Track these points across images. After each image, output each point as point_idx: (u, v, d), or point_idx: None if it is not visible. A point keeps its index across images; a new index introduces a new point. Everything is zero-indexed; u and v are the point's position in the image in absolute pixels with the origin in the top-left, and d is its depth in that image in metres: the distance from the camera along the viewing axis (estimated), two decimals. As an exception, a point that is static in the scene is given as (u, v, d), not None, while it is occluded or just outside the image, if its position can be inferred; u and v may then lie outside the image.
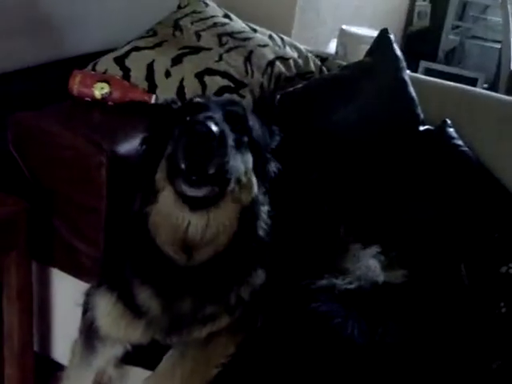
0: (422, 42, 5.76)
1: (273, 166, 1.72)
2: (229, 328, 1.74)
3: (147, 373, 1.77)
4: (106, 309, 1.75)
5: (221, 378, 1.72)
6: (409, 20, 5.84)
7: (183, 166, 1.48)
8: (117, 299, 1.71)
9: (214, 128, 1.46)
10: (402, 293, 1.88)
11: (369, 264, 1.92)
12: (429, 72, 5.18)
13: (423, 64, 5.33)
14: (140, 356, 1.84)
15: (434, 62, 5.66)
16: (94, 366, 1.86)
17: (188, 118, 1.56)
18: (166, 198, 1.57)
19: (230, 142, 1.53)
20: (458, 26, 6.21)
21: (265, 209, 1.68)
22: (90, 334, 1.83)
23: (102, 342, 1.81)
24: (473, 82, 5.10)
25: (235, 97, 2.24)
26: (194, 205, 1.54)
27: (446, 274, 2.01)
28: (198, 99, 1.68)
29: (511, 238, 2.07)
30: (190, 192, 1.51)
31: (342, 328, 1.69)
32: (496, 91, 4.56)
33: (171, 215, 1.57)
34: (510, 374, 1.67)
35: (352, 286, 1.84)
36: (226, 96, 2.22)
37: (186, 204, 1.54)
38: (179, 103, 1.75)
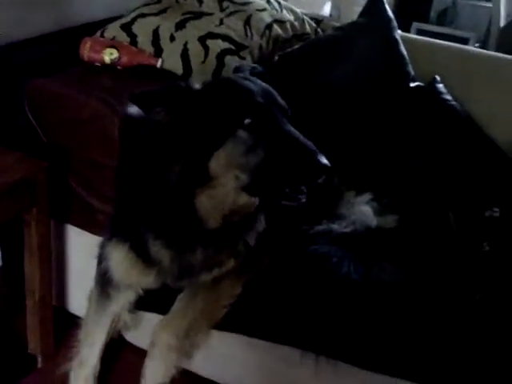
0: (414, 4, 5.75)
1: None
2: (235, 270, 1.83)
3: (159, 318, 1.87)
4: (119, 258, 1.83)
5: (229, 316, 1.85)
6: (401, -19, 5.84)
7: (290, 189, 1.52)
8: (129, 250, 1.79)
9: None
10: (394, 236, 2.02)
11: (362, 210, 2.05)
12: (421, 33, 5.15)
13: (415, 25, 5.36)
14: (152, 301, 1.94)
15: (426, 23, 5.68)
16: (109, 311, 1.96)
17: (285, 131, 1.53)
18: (225, 187, 1.57)
19: None
20: (449, -13, 6.20)
21: None
22: (104, 283, 1.92)
23: (115, 289, 1.91)
24: (464, 41, 5.12)
25: (236, 59, 2.31)
26: (254, 193, 1.60)
27: (434, 219, 2.14)
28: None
29: (495, 184, 2.20)
30: (286, 203, 1.56)
31: (339, 267, 1.83)
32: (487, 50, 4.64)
33: (227, 199, 1.61)
34: (490, 304, 1.80)
35: (347, 230, 1.98)
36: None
37: (244, 191, 1.59)
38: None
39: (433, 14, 5.92)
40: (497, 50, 4.20)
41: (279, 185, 1.53)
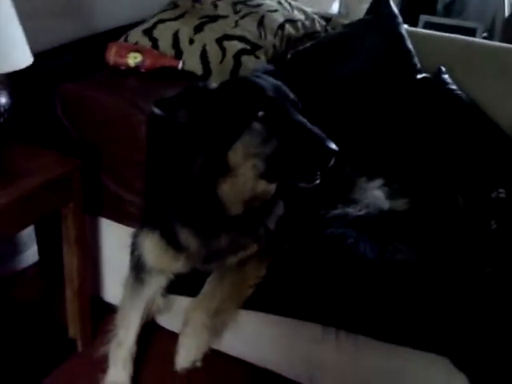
0: None
1: None
2: (259, 254, 1.96)
3: (190, 301, 1.98)
4: (151, 246, 1.97)
5: (255, 296, 1.98)
6: (408, -25, 5.87)
7: (304, 173, 1.67)
8: (159, 237, 1.93)
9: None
10: (406, 218, 2.13)
11: (374, 194, 2.17)
12: (429, 25, 5.24)
13: (423, 18, 5.38)
14: (183, 285, 2.07)
15: (434, 15, 5.70)
16: (143, 296, 2.09)
17: (294, 120, 1.67)
18: (245, 175, 1.71)
19: None
20: (456, -22, 6.20)
21: None
22: (138, 269, 2.06)
23: (148, 274, 2.05)
24: (472, 31, 5.17)
25: (252, 58, 2.43)
26: (272, 179, 1.75)
27: (444, 202, 2.25)
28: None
29: (501, 167, 2.31)
30: (303, 186, 1.71)
31: (355, 247, 1.96)
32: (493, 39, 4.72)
33: (247, 186, 1.74)
34: (498, 277, 1.92)
35: (362, 213, 2.10)
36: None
37: (263, 179, 1.74)
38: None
39: (440, 6, 5.95)
40: (502, 40, 4.29)
41: (293, 170, 1.68)
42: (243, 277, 1.98)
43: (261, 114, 1.66)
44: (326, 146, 1.62)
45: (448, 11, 5.99)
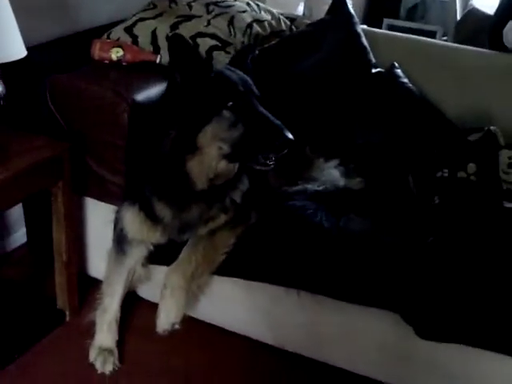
0: (384, 1, 5.99)
1: None
2: (228, 224, 2.16)
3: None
4: (131, 218, 2.15)
5: (227, 263, 2.17)
6: (372, -20, 6.06)
7: (260, 157, 1.89)
8: (139, 210, 2.11)
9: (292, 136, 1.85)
10: (360, 195, 2.35)
11: (331, 172, 2.39)
12: (392, 28, 5.45)
13: (386, 21, 5.59)
14: (161, 255, 2.23)
15: (397, 19, 5.93)
16: (125, 265, 2.27)
17: (256, 110, 1.90)
18: (210, 154, 1.92)
19: None
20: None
21: None
22: (120, 241, 2.23)
23: (129, 245, 2.22)
24: (432, 34, 5.39)
25: (222, 54, 2.60)
26: (232, 160, 1.96)
27: (396, 181, 2.48)
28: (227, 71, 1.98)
29: (446, 151, 2.49)
30: (261, 168, 1.94)
31: (313, 216, 2.16)
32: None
33: (211, 165, 1.95)
34: (440, 245, 2.13)
35: (320, 188, 2.31)
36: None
37: (225, 159, 1.95)
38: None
39: (403, 11, 6.16)
40: (454, 42, 4.49)
41: (253, 153, 1.92)
42: (215, 244, 2.16)
43: (230, 104, 1.90)
44: (283, 135, 1.86)
45: (410, 15, 6.21)
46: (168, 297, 2.10)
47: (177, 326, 2.10)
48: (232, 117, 1.90)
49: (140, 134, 2.14)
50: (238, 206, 2.15)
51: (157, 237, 2.16)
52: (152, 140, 2.00)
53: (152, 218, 2.11)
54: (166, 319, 2.09)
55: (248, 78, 2.01)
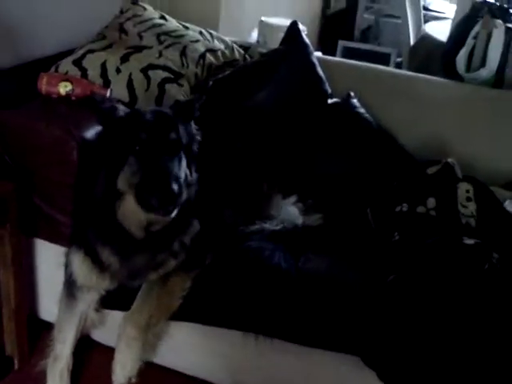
0: (339, 23, 6.06)
1: (195, 148, 2.01)
2: (182, 267, 2.10)
3: (123, 315, 2.09)
4: (78, 264, 2.08)
5: (183, 308, 2.11)
6: (327, 3, 6.13)
7: (156, 204, 1.80)
8: (84, 256, 2.05)
9: (177, 185, 1.79)
10: (319, 232, 2.32)
11: (289, 210, 2.36)
12: (346, 50, 5.43)
13: (341, 43, 5.54)
14: (115, 300, 2.17)
15: (352, 41, 5.93)
16: (76, 310, 2.19)
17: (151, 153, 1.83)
18: (130, 202, 1.87)
19: (184, 169, 1.88)
20: (371, 7, 6.51)
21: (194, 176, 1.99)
22: (70, 285, 2.16)
23: (79, 290, 2.15)
24: (386, 56, 5.37)
25: (175, 86, 2.56)
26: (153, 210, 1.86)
27: (354, 215, 2.45)
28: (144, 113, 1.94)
29: (405, 185, 2.47)
30: (165, 218, 1.86)
31: (271, 258, 2.12)
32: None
33: (136, 213, 1.88)
34: (401, 284, 2.08)
35: (277, 228, 2.27)
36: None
37: (147, 210, 1.85)
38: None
39: (357, 33, 6.23)
40: (408, 68, 4.50)
41: (148, 203, 1.83)
42: (169, 290, 2.10)
43: (137, 148, 1.85)
44: (168, 190, 1.78)
45: (364, 37, 6.27)
46: (123, 349, 2.05)
47: (133, 380, 2.06)
48: (135, 163, 1.85)
49: (89, 173, 2.06)
50: (190, 249, 2.10)
51: (106, 284, 2.11)
52: (89, 181, 1.96)
53: (99, 264, 2.05)
54: (122, 372, 2.05)
55: (169, 121, 1.94)
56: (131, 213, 1.89)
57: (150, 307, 2.08)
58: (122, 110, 1.96)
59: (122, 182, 1.86)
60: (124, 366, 2.04)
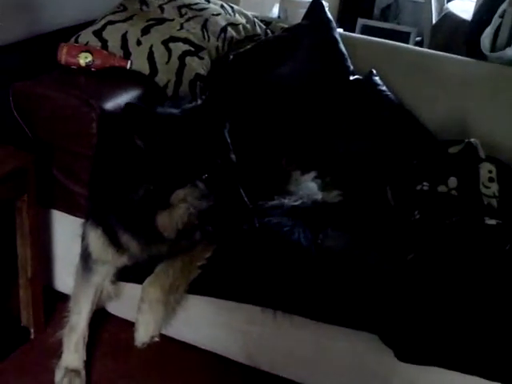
0: (359, 1, 5.99)
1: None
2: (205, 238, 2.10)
3: (139, 288, 2.06)
4: (94, 239, 2.08)
5: (201, 280, 2.11)
6: (347, -20, 6.06)
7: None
8: (102, 233, 2.05)
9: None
10: (338, 208, 2.30)
11: (308, 185, 2.34)
12: (366, 28, 5.45)
13: (361, 21, 5.56)
14: (131, 273, 2.16)
15: (371, 19, 5.92)
16: (92, 283, 2.19)
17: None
18: (179, 212, 1.88)
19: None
20: (392, -16, 6.41)
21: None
22: (86, 257, 2.15)
23: (95, 263, 2.15)
24: (406, 35, 5.42)
25: (196, 59, 2.53)
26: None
27: (373, 194, 2.43)
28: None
29: (425, 163, 2.45)
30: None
31: (290, 234, 2.11)
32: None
33: (179, 220, 1.89)
34: (420, 263, 2.09)
35: (296, 203, 2.26)
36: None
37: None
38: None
39: (376, 11, 6.17)
40: (429, 46, 4.44)
41: (217, 224, 1.90)
42: (192, 257, 2.11)
43: (205, 176, 1.83)
44: (250, 219, 1.87)
45: (384, 15, 6.21)
46: (146, 310, 2.04)
47: (156, 339, 2.05)
48: (205, 189, 1.85)
49: (110, 150, 2.06)
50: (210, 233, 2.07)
51: (123, 261, 2.11)
52: (123, 180, 1.94)
53: (117, 244, 2.05)
54: (145, 333, 2.03)
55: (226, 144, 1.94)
56: (174, 221, 1.91)
57: (173, 271, 2.07)
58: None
59: (179, 198, 1.86)
60: (147, 327, 2.03)
